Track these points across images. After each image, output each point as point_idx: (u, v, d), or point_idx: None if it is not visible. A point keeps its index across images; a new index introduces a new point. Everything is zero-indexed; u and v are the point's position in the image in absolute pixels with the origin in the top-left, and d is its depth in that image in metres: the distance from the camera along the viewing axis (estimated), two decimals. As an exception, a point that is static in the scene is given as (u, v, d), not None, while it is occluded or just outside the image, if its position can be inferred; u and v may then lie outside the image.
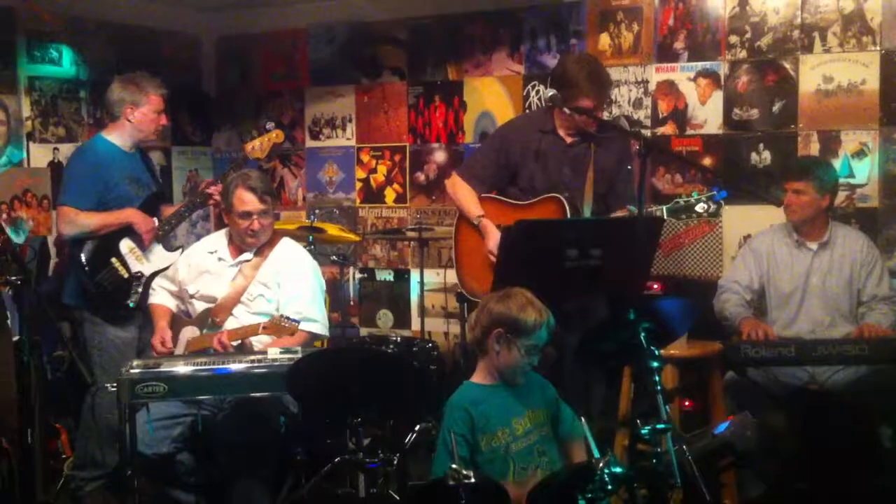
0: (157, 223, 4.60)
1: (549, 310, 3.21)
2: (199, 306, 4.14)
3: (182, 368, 3.63)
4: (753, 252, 4.53)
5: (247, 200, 4.05)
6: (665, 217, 4.01)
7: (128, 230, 4.52)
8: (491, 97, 5.73)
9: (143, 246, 4.55)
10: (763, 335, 4.16)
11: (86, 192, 4.48)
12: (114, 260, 4.50)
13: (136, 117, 4.58)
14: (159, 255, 4.59)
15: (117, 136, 4.61)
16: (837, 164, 4.80)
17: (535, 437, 3.21)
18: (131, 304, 4.49)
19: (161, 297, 4.31)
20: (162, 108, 4.66)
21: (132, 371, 3.58)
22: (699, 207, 3.96)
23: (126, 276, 4.50)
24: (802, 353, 4.03)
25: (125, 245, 4.52)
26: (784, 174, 4.58)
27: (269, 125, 4.82)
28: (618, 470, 2.83)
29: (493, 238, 4.22)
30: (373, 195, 6.12)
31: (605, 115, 5.19)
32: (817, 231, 4.41)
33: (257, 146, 4.70)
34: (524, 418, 3.22)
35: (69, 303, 4.59)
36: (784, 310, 4.39)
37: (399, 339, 5.09)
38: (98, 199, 4.49)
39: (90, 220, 4.46)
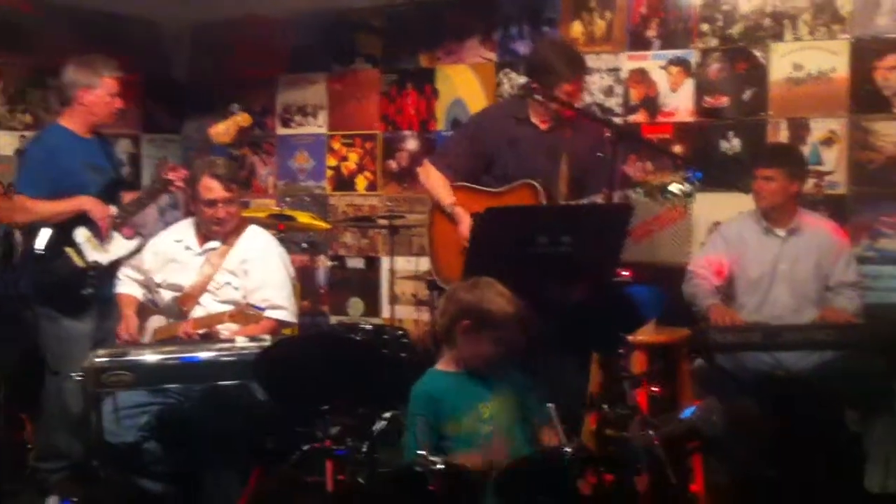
0: (114, 211, 4.45)
1: (518, 299, 3.20)
2: (166, 295, 4.11)
3: (149, 357, 3.60)
4: (723, 238, 4.55)
5: (212, 188, 4.01)
6: (641, 199, 4.03)
7: (85, 218, 4.38)
8: (463, 85, 5.71)
9: (101, 234, 4.40)
10: (730, 322, 4.18)
11: (39, 180, 4.36)
12: (68, 249, 4.36)
13: (90, 100, 4.43)
14: (118, 244, 4.44)
15: (72, 122, 4.47)
16: (806, 151, 4.82)
17: (502, 421, 3.22)
18: (87, 293, 4.36)
19: (128, 286, 4.27)
20: (117, 91, 4.50)
21: (98, 360, 3.54)
22: (674, 188, 3.97)
23: (81, 265, 4.36)
24: (769, 338, 4.06)
25: (81, 234, 4.38)
26: (754, 161, 4.60)
27: (235, 107, 4.60)
28: (584, 454, 2.85)
29: (467, 225, 4.21)
30: (344, 183, 6.09)
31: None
32: (786, 218, 4.44)
33: (222, 130, 4.54)
34: (491, 403, 3.22)
35: (27, 293, 4.49)
36: (752, 296, 4.42)
37: (369, 326, 5.09)
38: (53, 186, 4.35)
39: (43, 208, 4.33)
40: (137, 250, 4.39)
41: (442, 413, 3.19)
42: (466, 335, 3.19)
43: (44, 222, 4.35)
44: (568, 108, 4.21)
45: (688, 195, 3.99)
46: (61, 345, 4.38)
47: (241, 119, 4.51)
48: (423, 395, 3.22)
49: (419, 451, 2.90)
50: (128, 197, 4.61)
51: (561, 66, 4.17)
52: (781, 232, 4.44)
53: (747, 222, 4.53)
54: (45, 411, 4.48)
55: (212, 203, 4.03)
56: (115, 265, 4.39)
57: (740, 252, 4.48)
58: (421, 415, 3.18)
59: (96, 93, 4.45)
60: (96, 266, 4.38)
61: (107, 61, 4.51)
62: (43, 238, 4.35)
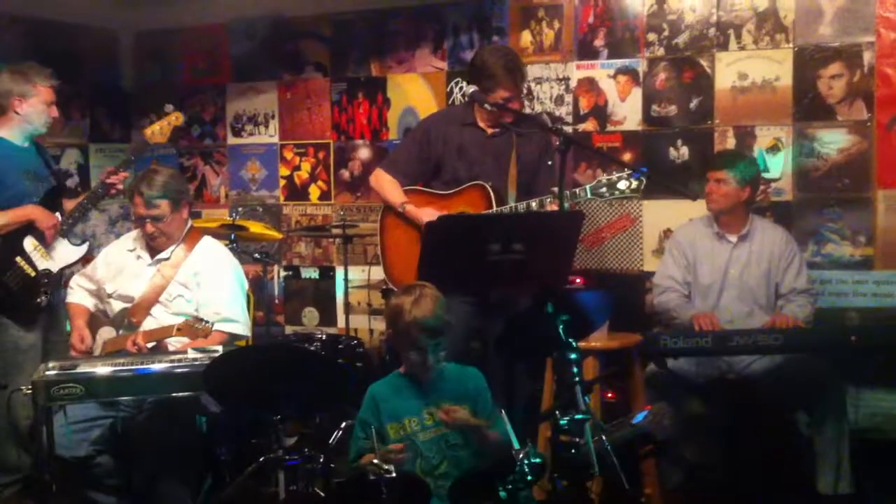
0: (59, 218, 4.44)
1: (434, 308, 3.23)
2: (117, 306, 4.07)
3: (100, 369, 3.55)
4: (677, 245, 4.59)
5: (136, 204, 4.01)
6: (589, 196, 4.07)
7: (30, 227, 4.36)
8: (415, 93, 5.74)
9: (47, 242, 4.39)
10: (715, 327, 4.22)
11: None
12: (18, 259, 4.34)
13: (25, 109, 4.41)
14: (65, 251, 4.46)
15: (7, 131, 4.44)
16: (752, 159, 4.90)
17: (447, 429, 3.23)
18: (40, 302, 4.35)
19: (78, 295, 4.21)
20: (52, 100, 4.48)
21: (48, 373, 3.50)
22: (621, 185, 4.01)
23: (33, 274, 4.35)
24: (718, 343, 4.09)
25: (29, 243, 4.37)
26: (707, 163, 4.64)
27: (169, 107, 4.63)
28: (537, 460, 2.87)
29: (424, 215, 4.21)
30: (297, 192, 6.08)
31: (528, 111, 5.25)
32: (737, 223, 4.49)
33: (157, 130, 4.54)
34: (437, 409, 3.24)
35: None
36: (704, 300, 4.46)
37: (324, 336, 5.07)
38: None
39: None
40: (85, 256, 4.36)
41: (384, 415, 3.23)
42: (398, 341, 3.28)
43: None
44: (508, 114, 4.25)
45: (635, 191, 4.04)
46: (13, 356, 4.33)
47: (175, 118, 4.56)
48: (367, 396, 3.31)
49: (374, 461, 2.91)
50: (70, 204, 4.56)
51: (498, 72, 4.23)
52: (733, 237, 4.49)
53: (699, 227, 4.58)
54: None
55: (140, 218, 4.02)
56: (64, 272, 4.38)
57: (693, 257, 4.53)
58: (362, 415, 3.27)
59: (30, 101, 4.43)
60: (48, 274, 4.37)
61: (41, 70, 4.47)
62: None
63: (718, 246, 4.50)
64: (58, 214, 4.46)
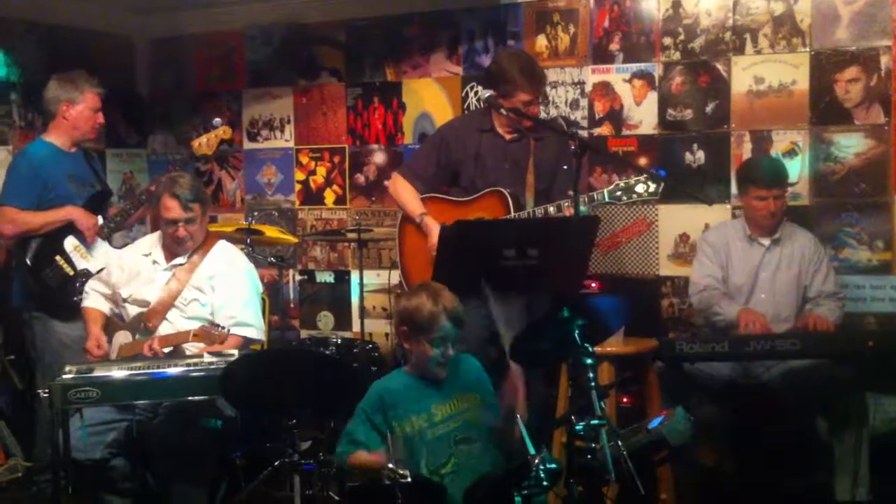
0: (101, 220, 4.58)
1: (453, 299, 3.24)
2: (132, 310, 4.08)
3: (116, 373, 3.58)
4: (711, 246, 4.58)
5: (171, 207, 4.01)
6: (606, 199, 4.06)
7: (73, 228, 4.51)
8: (430, 98, 5.73)
9: (87, 243, 4.53)
10: (761, 327, 4.20)
11: (25, 192, 4.49)
12: (58, 258, 4.49)
13: (72, 115, 4.59)
14: (105, 253, 4.56)
15: (56, 136, 4.62)
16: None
17: (456, 424, 3.24)
18: (77, 300, 4.40)
19: (94, 300, 4.24)
20: (98, 107, 4.66)
21: (64, 376, 3.53)
22: (639, 188, 4.01)
23: (71, 273, 4.48)
24: (735, 348, 4.07)
25: (69, 243, 4.51)
26: (753, 178, 4.50)
27: (217, 121, 4.82)
28: (553, 466, 2.86)
29: (436, 235, 4.22)
30: (312, 197, 6.09)
31: (543, 115, 5.24)
32: (770, 228, 4.49)
33: (204, 143, 4.71)
34: (446, 405, 3.25)
35: (17, 304, 4.59)
36: (735, 303, 4.45)
37: (339, 340, 5.08)
38: (38, 198, 4.49)
39: (31, 219, 4.47)
40: None
41: (389, 412, 3.23)
42: (406, 340, 3.28)
43: (33, 234, 4.48)
44: (526, 120, 4.25)
45: (653, 195, 4.03)
46: (60, 352, 4.42)
47: (223, 132, 4.75)
48: (372, 391, 3.31)
49: (389, 465, 2.91)
50: (114, 209, 4.74)
51: (517, 76, 4.23)
52: (765, 241, 4.49)
53: (731, 231, 4.59)
54: (38, 424, 4.52)
55: (172, 222, 4.03)
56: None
57: (726, 259, 4.52)
58: (363, 407, 3.26)
59: (78, 108, 4.60)
60: (86, 274, 4.48)
61: (88, 77, 4.65)
62: (33, 249, 4.48)
63: (750, 249, 4.51)
64: (100, 218, 4.60)
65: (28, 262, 4.47)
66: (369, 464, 3.05)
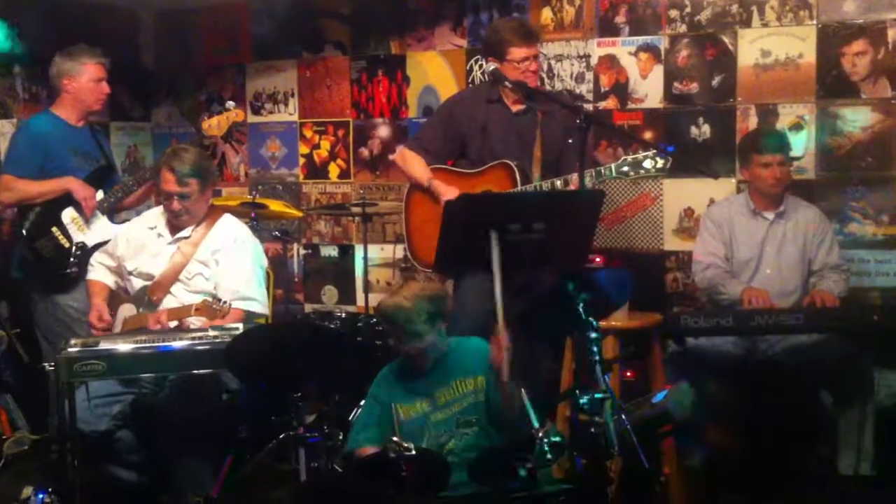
0: (101, 195, 4.58)
1: (414, 296, 3.29)
2: (137, 283, 4.09)
3: (121, 346, 3.59)
4: (714, 223, 4.56)
5: (167, 180, 4.00)
6: (613, 175, 4.05)
7: (71, 200, 4.51)
8: (434, 71, 5.70)
9: (85, 216, 4.52)
10: (765, 304, 4.19)
11: (25, 162, 4.52)
12: (54, 228, 4.49)
13: (75, 88, 4.60)
14: (103, 227, 4.56)
15: (62, 110, 4.65)
16: (775, 137, 4.86)
17: (460, 407, 3.27)
18: (70, 272, 4.46)
19: (99, 272, 4.24)
20: (101, 77, 4.66)
21: (70, 349, 3.53)
22: (647, 163, 3.99)
23: (66, 245, 4.49)
24: (740, 322, 4.07)
25: (68, 214, 4.52)
26: (756, 147, 4.50)
27: (230, 104, 4.82)
28: (557, 439, 2.87)
29: (449, 192, 4.20)
30: (316, 171, 6.07)
31: (549, 88, 5.22)
32: (775, 201, 4.48)
33: (215, 124, 4.70)
34: (449, 388, 3.28)
35: (16, 276, 4.61)
36: (740, 278, 4.44)
37: (344, 314, 5.08)
38: (39, 169, 4.51)
39: (29, 188, 4.49)
40: None
41: (395, 395, 3.25)
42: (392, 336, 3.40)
43: (31, 204, 4.49)
44: (530, 80, 4.26)
45: (660, 171, 4.01)
46: (69, 325, 4.44)
47: (235, 115, 4.74)
48: (381, 374, 3.38)
49: (394, 438, 2.93)
50: (117, 186, 4.72)
51: (508, 33, 4.27)
52: (769, 215, 4.48)
53: (735, 206, 4.57)
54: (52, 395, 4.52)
55: (167, 195, 4.02)
56: (95, 248, 4.47)
57: (730, 234, 4.51)
58: (373, 392, 3.33)
59: (80, 80, 4.61)
60: (82, 246, 4.49)
61: (89, 49, 4.66)
62: (30, 219, 4.50)
63: (755, 223, 4.49)
64: (100, 193, 4.59)
65: (24, 231, 4.50)
66: None
